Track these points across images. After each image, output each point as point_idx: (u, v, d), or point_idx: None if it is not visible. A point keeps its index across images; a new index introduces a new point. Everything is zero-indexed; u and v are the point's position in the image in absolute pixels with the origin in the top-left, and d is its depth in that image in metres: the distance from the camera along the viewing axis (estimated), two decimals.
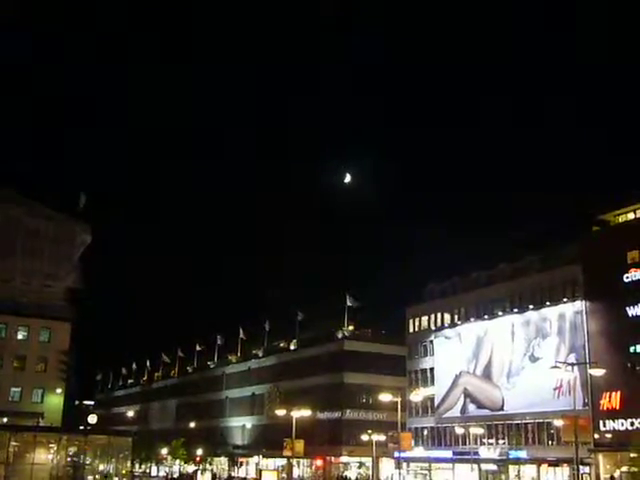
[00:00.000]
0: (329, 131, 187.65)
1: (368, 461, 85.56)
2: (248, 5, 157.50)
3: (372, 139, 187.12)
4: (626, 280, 64.66)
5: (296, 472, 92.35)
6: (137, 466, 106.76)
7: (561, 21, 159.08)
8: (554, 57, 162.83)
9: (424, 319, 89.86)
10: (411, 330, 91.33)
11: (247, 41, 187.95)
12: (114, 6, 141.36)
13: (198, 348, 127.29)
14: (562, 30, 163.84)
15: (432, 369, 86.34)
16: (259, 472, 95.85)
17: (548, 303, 72.95)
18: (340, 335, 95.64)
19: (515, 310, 76.65)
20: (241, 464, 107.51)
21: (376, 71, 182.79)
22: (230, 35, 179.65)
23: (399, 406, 57.36)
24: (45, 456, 57.65)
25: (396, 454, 73.50)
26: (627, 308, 63.90)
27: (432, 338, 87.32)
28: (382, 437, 74.52)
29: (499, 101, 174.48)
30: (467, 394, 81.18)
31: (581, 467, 56.29)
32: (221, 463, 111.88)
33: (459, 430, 78.51)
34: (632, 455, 57.36)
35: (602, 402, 64.50)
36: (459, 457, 78.10)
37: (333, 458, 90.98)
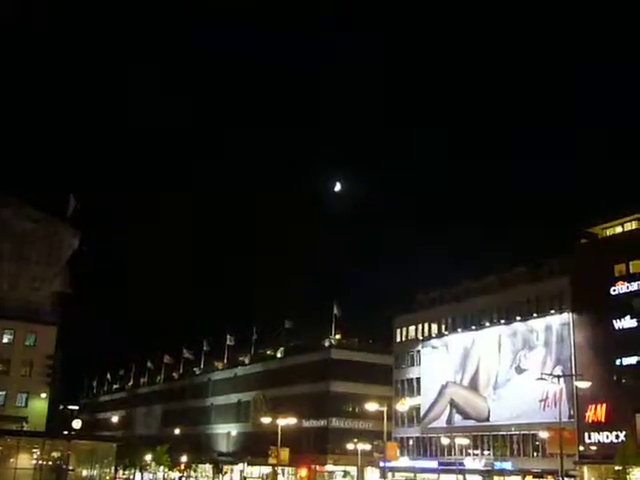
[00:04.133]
0: (327, 132, 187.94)
1: (353, 470, 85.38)
2: (247, 6, 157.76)
3: (365, 143, 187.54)
4: (613, 293, 64.95)
5: None
6: (121, 472, 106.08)
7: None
8: (553, 60, 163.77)
9: (411, 329, 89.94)
10: (398, 339, 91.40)
11: (247, 40, 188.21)
12: (114, 6, 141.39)
13: (184, 354, 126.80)
14: (563, 33, 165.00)
15: (419, 379, 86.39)
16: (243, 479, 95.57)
17: (535, 315, 73.19)
18: (327, 343, 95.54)
19: (502, 321, 76.85)
20: (226, 471, 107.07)
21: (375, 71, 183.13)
22: (230, 34, 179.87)
23: (385, 415, 57.23)
24: (28, 461, 57.19)
25: (381, 463, 73.42)
26: (614, 321, 64.16)
27: (419, 348, 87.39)
28: (368, 446, 74.55)
29: (493, 107, 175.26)
30: (453, 404, 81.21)
31: (566, 479, 56.38)
32: (205, 470, 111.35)
33: (445, 440, 78.51)
34: (617, 468, 57.55)
35: (587, 414, 64.66)
36: (444, 467, 78.00)
37: (318, 467, 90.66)
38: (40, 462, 57.98)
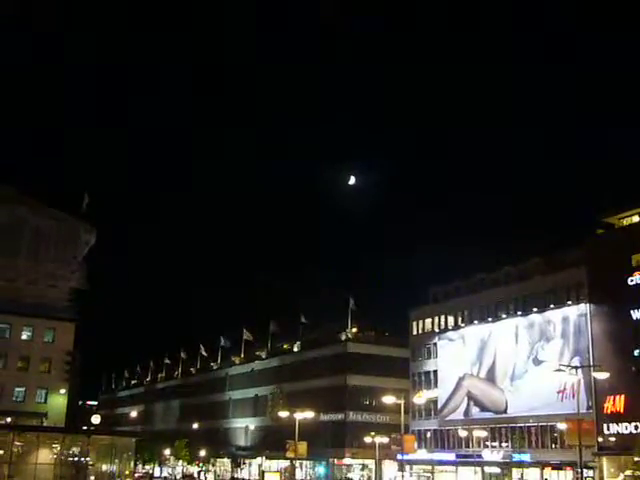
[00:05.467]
0: (331, 131, 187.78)
1: (371, 463, 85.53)
2: (247, 8, 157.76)
3: (374, 138, 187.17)
4: (631, 283, 64.48)
5: (299, 474, 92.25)
6: (140, 466, 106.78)
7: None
8: (553, 50, 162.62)
9: (428, 321, 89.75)
10: (415, 332, 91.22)
11: (247, 41, 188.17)
12: (113, 5, 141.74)
13: (202, 349, 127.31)
14: (562, 26, 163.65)
15: (435, 371, 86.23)
16: (262, 473, 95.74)
17: (552, 306, 72.81)
18: (343, 337, 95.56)
19: (519, 313, 76.51)
20: (244, 465, 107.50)
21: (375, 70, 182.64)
22: (230, 34, 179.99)
23: (402, 408, 57.21)
24: (48, 456, 57.60)
25: (399, 456, 73.27)
26: (631, 311, 63.73)
27: (436, 340, 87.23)
28: (385, 439, 74.43)
29: (499, 100, 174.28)
30: (471, 397, 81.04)
31: (585, 471, 56.20)
32: (224, 464, 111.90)
33: (462, 433, 78.38)
34: (636, 459, 57.30)
35: (606, 405, 64.32)
36: (462, 460, 78.00)
37: (336, 460, 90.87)
38: (60, 457, 58.38)
